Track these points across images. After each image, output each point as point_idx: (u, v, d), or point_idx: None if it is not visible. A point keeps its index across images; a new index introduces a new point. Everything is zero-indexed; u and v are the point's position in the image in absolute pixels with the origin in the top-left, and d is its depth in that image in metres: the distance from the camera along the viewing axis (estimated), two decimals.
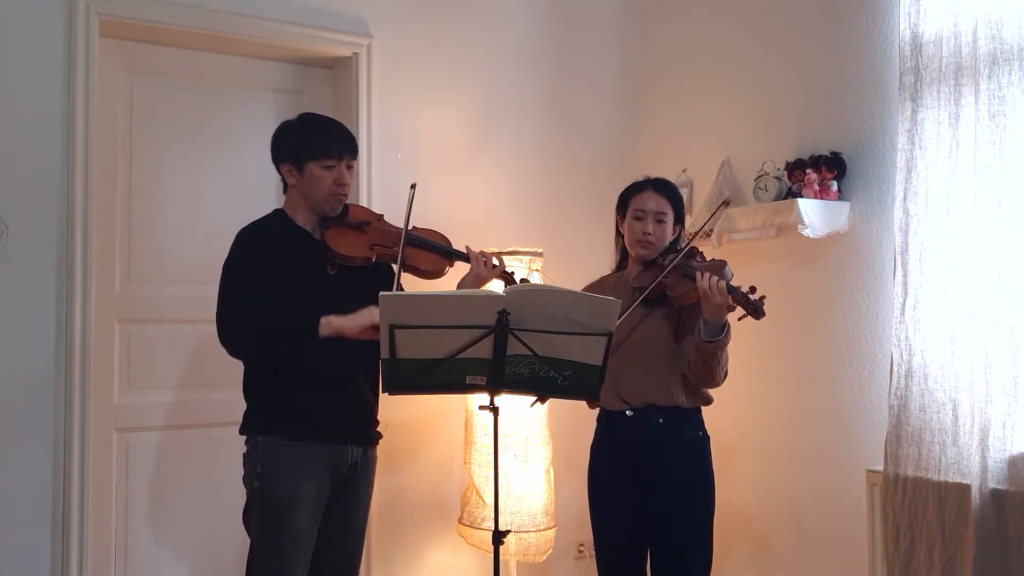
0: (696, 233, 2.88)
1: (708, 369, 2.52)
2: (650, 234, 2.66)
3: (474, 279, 2.69)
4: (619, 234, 2.80)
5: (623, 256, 2.82)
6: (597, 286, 2.81)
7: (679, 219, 2.73)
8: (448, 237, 2.80)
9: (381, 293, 2.19)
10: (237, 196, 3.45)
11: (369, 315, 2.41)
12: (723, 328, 2.48)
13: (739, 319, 2.47)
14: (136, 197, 3.33)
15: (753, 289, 2.44)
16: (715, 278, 2.44)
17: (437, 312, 2.20)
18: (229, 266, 2.57)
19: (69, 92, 3.04)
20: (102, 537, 3.19)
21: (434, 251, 2.70)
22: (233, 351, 2.54)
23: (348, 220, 2.65)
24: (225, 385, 3.33)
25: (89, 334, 3.05)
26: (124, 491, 3.26)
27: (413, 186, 2.63)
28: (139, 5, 3.18)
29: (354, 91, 3.55)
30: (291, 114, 3.47)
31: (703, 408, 2.69)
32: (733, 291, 2.44)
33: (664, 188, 2.72)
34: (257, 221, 2.64)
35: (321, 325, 2.46)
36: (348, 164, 2.61)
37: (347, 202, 2.67)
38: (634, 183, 2.76)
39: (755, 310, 2.42)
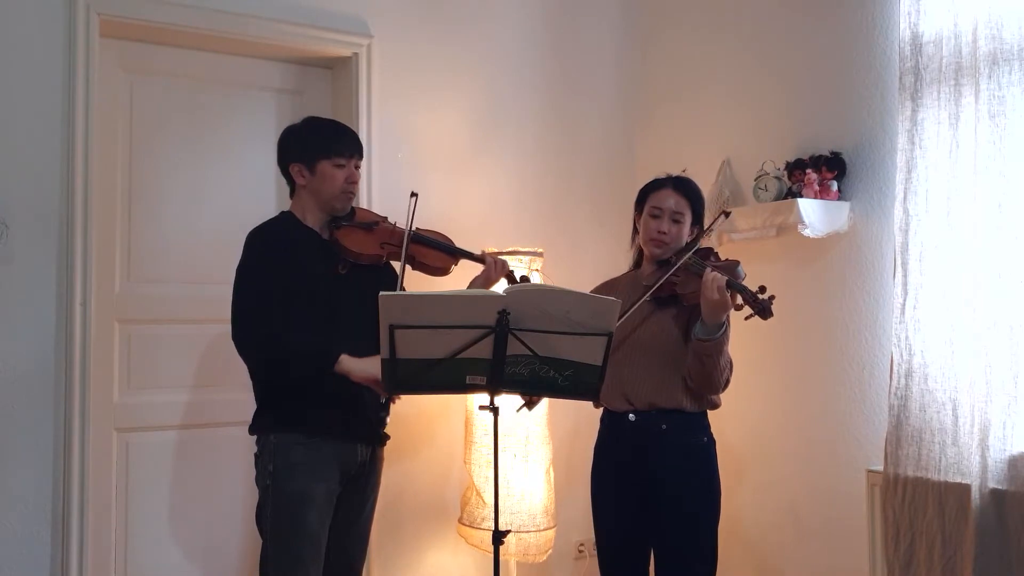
0: (701, 234, 2.82)
1: (705, 372, 2.49)
2: (665, 233, 2.62)
3: (484, 281, 2.74)
4: (636, 231, 2.76)
5: (639, 254, 2.78)
6: (609, 287, 2.78)
7: (697, 220, 2.69)
8: (449, 237, 2.83)
9: (381, 293, 2.19)
10: (237, 196, 3.46)
11: (376, 367, 2.35)
12: (720, 328, 2.45)
13: (746, 319, 2.40)
14: (136, 197, 3.33)
15: (763, 289, 2.37)
16: (716, 274, 2.40)
17: (437, 312, 2.20)
18: (244, 272, 2.57)
19: (69, 92, 3.04)
20: (102, 537, 3.18)
21: (440, 248, 2.76)
22: (246, 358, 2.55)
23: (357, 221, 2.70)
24: (226, 385, 3.35)
25: (89, 334, 3.05)
26: (124, 491, 3.26)
27: (414, 195, 2.66)
28: (139, 5, 3.17)
29: (354, 91, 3.55)
30: (291, 114, 3.50)
31: (709, 412, 2.66)
32: (738, 287, 2.39)
33: (684, 187, 2.68)
34: (266, 223, 2.67)
35: (339, 361, 2.48)
36: (356, 164, 2.68)
37: (352, 205, 2.72)
38: (655, 179, 2.72)
39: (762, 309, 2.34)
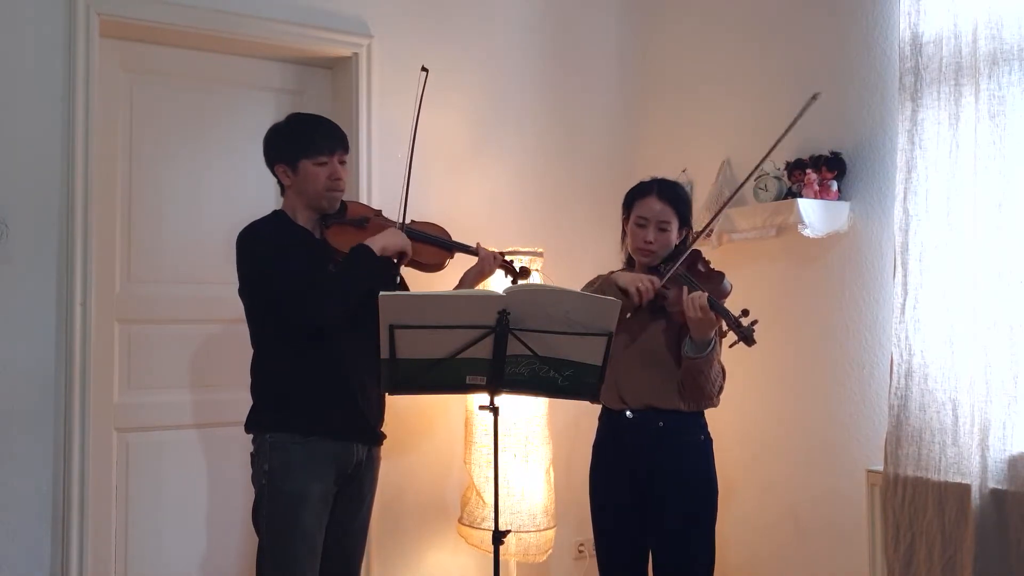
0: (700, 233, 2.79)
1: (696, 386, 2.50)
2: (651, 243, 2.61)
3: (477, 275, 2.73)
4: (625, 233, 2.74)
5: (630, 256, 2.76)
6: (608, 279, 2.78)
7: (685, 223, 2.68)
8: (446, 229, 2.80)
9: (381, 293, 2.19)
10: (237, 196, 3.46)
11: (397, 236, 2.61)
12: (708, 344, 2.45)
13: (730, 346, 2.41)
14: (136, 197, 3.33)
15: (746, 312, 2.36)
16: (697, 293, 2.40)
17: (437, 312, 2.20)
18: (254, 257, 2.54)
19: (69, 92, 3.04)
20: (102, 537, 3.19)
21: (434, 244, 2.72)
22: (321, 316, 2.49)
23: (347, 218, 2.66)
24: (225, 385, 3.36)
25: (89, 334, 3.05)
26: (124, 491, 3.26)
27: (424, 70, 2.63)
28: (139, 5, 3.18)
29: (354, 91, 3.55)
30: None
31: (708, 411, 2.65)
32: (720, 310, 2.38)
33: (669, 192, 2.65)
34: (257, 221, 2.63)
35: (371, 248, 2.53)
36: (340, 159, 2.62)
37: (345, 200, 2.68)
38: (640, 184, 2.70)
39: (745, 336, 2.32)
